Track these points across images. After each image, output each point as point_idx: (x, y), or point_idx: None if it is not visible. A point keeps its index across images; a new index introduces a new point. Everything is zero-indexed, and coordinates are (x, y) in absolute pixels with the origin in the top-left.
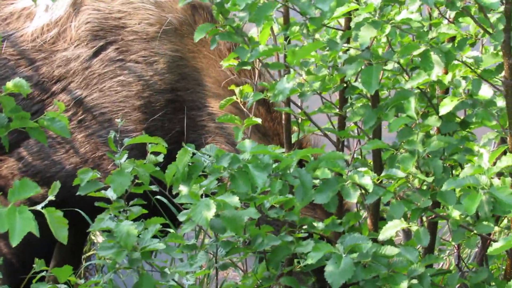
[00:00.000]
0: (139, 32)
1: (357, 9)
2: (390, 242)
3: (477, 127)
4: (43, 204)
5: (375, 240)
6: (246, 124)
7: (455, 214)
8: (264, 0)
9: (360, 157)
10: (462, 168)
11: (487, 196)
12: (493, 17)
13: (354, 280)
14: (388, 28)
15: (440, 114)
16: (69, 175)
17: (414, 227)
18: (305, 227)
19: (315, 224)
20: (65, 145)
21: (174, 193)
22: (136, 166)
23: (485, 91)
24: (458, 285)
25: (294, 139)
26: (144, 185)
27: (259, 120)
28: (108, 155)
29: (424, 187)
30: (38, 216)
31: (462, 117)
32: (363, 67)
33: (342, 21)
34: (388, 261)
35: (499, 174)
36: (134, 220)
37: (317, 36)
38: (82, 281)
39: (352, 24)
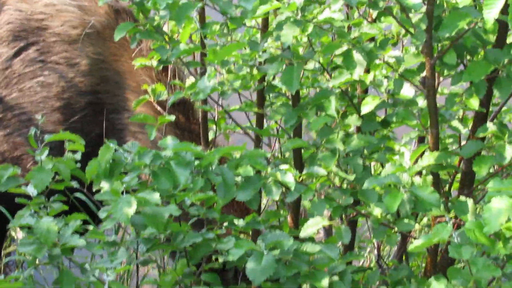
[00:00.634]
0: (61, 34)
1: (279, 8)
2: (311, 239)
3: (397, 126)
4: None
5: (296, 238)
6: (160, 122)
7: (376, 212)
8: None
9: (279, 155)
10: (383, 167)
11: (408, 194)
12: (414, 17)
13: (276, 277)
14: (310, 27)
15: (362, 113)
16: None
17: (335, 225)
18: (225, 224)
19: (235, 221)
20: None
21: (94, 190)
22: (57, 163)
23: (407, 91)
24: (378, 282)
25: (210, 136)
26: (64, 182)
27: (172, 118)
28: (28, 151)
29: (345, 185)
30: None
31: (382, 116)
32: (284, 66)
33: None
34: (309, 258)
35: (419, 173)
36: (55, 216)
37: (233, 35)
38: (2, 276)
39: (274, 23)
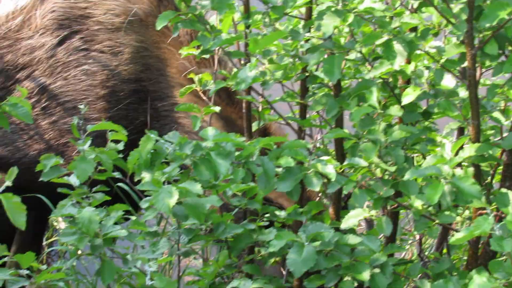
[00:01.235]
0: (104, 22)
1: None
2: (352, 231)
3: (439, 117)
4: (0, 190)
5: (337, 229)
6: (205, 112)
7: (417, 203)
8: None
9: (322, 146)
10: (424, 158)
11: (449, 186)
12: (456, 8)
13: (316, 268)
14: (351, 17)
15: (402, 104)
16: (33, 161)
17: (376, 217)
18: (267, 215)
19: (277, 212)
20: (28, 131)
21: (136, 180)
22: (99, 153)
23: (448, 81)
24: (420, 275)
25: (254, 127)
26: (107, 172)
27: (217, 109)
28: (71, 141)
29: (386, 177)
30: None
31: (424, 107)
32: (325, 56)
33: (303, 9)
34: (350, 250)
35: (460, 164)
36: (97, 206)
37: (277, 25)
38: (45, 267)
39: (314, 13)
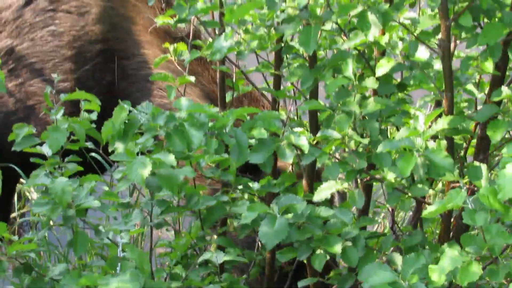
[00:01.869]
0: None
1: None
2: (325, 203)
3: (414, 89)
4: None
5: (310, 202)
6: (180, 82)
7: (390, 176)
8: None
9: (296, 117)
10: (399, 130)
11: (422, 158)
12: None
13: (288, 241)
14: None
15: (376, 76)
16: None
17: (349, 189)
18: (240, 187)
19: (250, 184)
20: None
21: (109, 150)
22: (72, 123)
23: (422, 53)
24: (392, 248)
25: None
26: (79, 142)
27: (192, 79)
28: (44, 111)
29: (360, 149)
30: None
31: (399, 80)
32: (301, 27)
33: None
34: (323, 223)
35: (435, 137)
36: (70, 177)
37: None
38: (16, 237)
39: None
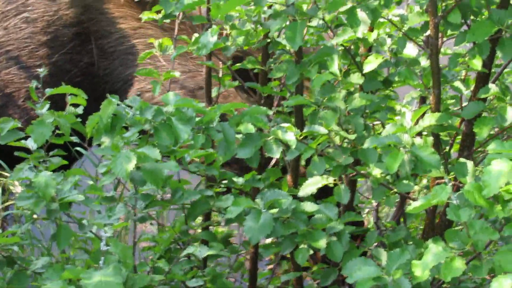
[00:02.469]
0: None
1: None
2: (310, 198)
3: (400, 85)
4: None
5: (295, 197)
6: (165, 77)
7: (376, 172)
8: None
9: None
10: (384, 126)
11: (409, 154)
12: None
13: (273, 235)
14: None
15: (364, 72)
16: None
17: (334, 184)
18: (225, 181)
19: (234, 179)
20: None
21: (94, 144)
22: (57, 117)
23: (410, 50)
24: (376, 243)
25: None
26: (64, 136)
27: (177, 74)
28: (29, 104)
29: (345, 145)
30: None
31: (385, 76)
32: (287, 23)
33: None
34: (307, 218)
35: (420, 133)
36: (54, 171)
37: None
38: (0, 231)
39: None
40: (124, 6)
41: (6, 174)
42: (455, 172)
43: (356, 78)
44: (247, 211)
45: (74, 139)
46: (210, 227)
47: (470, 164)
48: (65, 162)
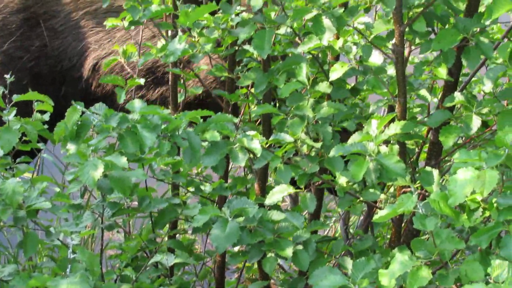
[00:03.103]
0: None
1: None
2: (276, 207)
3: (367, 94)
4: None
5: (262, 205)
6: (130, 84)
7: (342, 180)
8: None
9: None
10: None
11: (375, 163)
12: None
13: (240, 244)
14: None
15: (330, 80)
16: None
17: (300, 193)
18: (192, 189)
19: (202, 187)
20: None
21: (62, 152)
22: (24, 123)
23: (376, 58)
24: (343, 252)
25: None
26: (31, 143)
27: (142, 81)
28: None
29: (313, 153)
30: None
31: (353, 84)
32: (255, 30)
33: None
34: (274, 226)
35: (387, 142)
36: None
37: None
38: None
39: None
40: None
41: None
42: (421, 181)
43: (324, 87)
44: (214, 219)
45: (41, 146)
46: (177, 235)
47: (436, 172)
48: (32, 169)
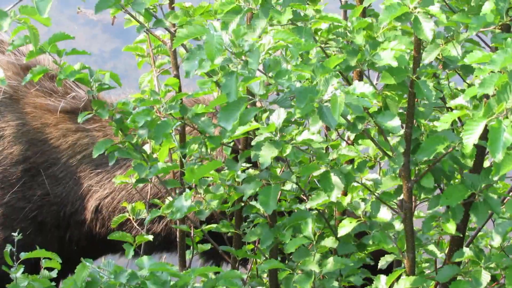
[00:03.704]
0: None
1: (257, 129)
2: None
3: (374, 249)
4: None
5: None
6: (138, 241)
7: None
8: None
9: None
10: None
11: None
12: (392, 140)
13: None
14: (289, 149)
15: (338, 236)
16: None
17: None
18: None
19: None
20: None
21: None
22: (32, 281)
23: (384, 214)
24: None
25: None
26: None
27: (150, 237)
28: (4, 269)
29: None
30: None
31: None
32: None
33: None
34: None
35: None
36: None
37: (214, 152)
38: None
39: (253, 143)
40: (59, 123)
41: None
42: None
43: (330, 242)
44: None
45: None
46: None
47: None
48: None
